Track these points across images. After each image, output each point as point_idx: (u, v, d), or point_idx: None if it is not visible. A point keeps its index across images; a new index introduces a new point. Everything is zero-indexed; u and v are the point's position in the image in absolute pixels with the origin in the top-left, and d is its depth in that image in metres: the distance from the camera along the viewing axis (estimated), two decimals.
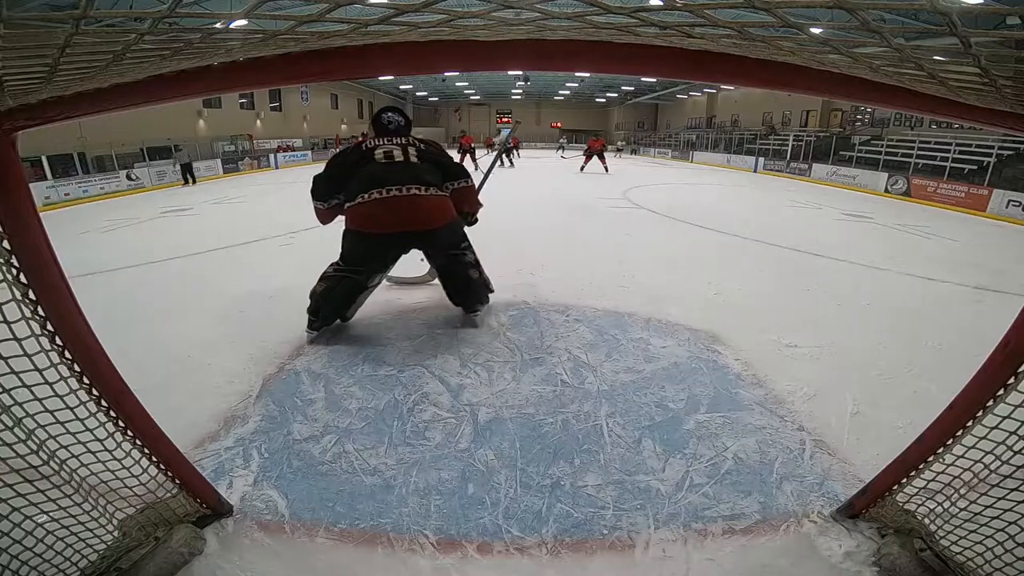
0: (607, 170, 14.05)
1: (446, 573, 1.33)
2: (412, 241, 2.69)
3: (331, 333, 2.82)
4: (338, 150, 2.58)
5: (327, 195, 2.71)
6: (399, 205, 2.54)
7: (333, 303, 2.71)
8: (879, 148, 14.97)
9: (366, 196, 2.53)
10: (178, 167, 13.17)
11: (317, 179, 2.73)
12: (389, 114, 2.90)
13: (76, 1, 0.46)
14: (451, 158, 2.96)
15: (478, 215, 3.26)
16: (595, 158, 14.59)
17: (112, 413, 1.13)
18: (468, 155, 14.00)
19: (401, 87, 34.02)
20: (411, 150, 2.71)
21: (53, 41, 0.54)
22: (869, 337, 2.91)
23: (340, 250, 2.70)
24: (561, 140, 32.25)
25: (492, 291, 3.13)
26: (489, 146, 22.43)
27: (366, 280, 2.76)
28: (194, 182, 13.15)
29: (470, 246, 2.96)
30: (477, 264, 2.98)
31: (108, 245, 5.63)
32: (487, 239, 4.52)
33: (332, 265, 2.72)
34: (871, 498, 1.42)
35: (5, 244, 0.93)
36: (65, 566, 1.09)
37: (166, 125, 14.72)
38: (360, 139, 5.98)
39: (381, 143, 2.70)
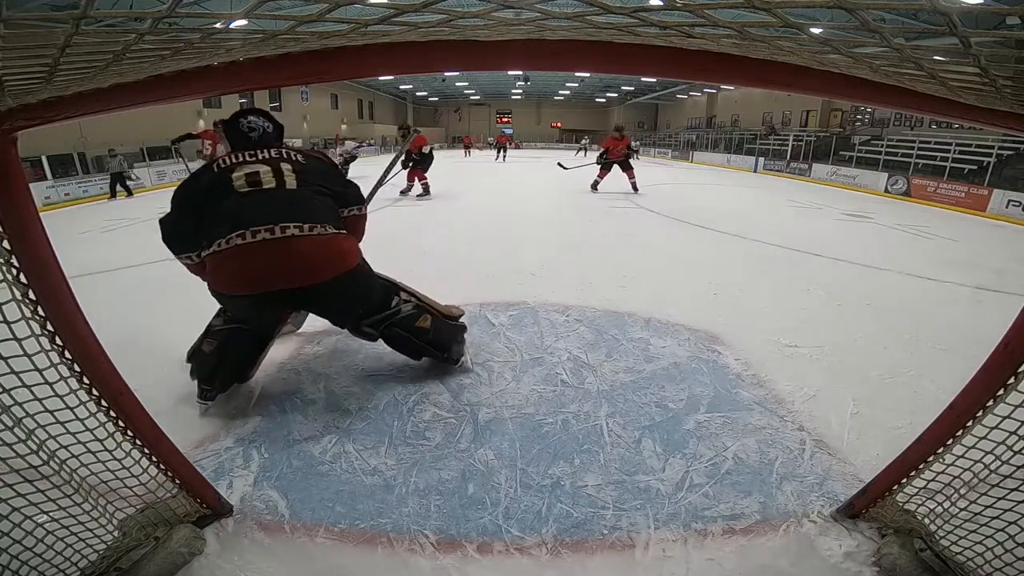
0: (636, 188, 9.10)
1: (446, 573, 1.33)
2: (296, 301, 1.98)
3: (331, 333, 2.81)
4: (185, 178, 1.93)
5: (186, 245, 1.92)
6: (270, 252, 1.80)
7: (231, 364, 2.07)
8: (879, 148, 14.97)
9: (224, 243, 1.80)
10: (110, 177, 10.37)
11: (164, 224, 1.93)
12: (250, 119, 2.04)
13: (76, 1, 0.46)
14: (341, 173, 2.24)
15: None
16: (614, 168, 9.12)
17: (112, 413, 1.14)
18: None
19: (401, 87, 34.07)
20: (285, 167, 1.92)
21: (53, 41, 0.54)
22: (869, 337, 2.91)
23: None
24: (584, 140, 26.32)
25: (459, 320, 2.39)
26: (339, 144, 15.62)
27: (269, 331, 2.14)
28: (129, 194, 10.59)
29: (392, 288, 2.18)
30: (419, 307, 2.20)
31: (108, 245, 5.63)
32: (486, 235, 4.53)
33: (219, 316, 2.12)
34: (871, 498, 1.42)
35: (5, 244, 0.93)
36: (65, 566, 1.09)
37: (166, 125, 14.71)
38: (211, 151, 4.74)
39: (240, 160, 1.91)
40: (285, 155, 1.98)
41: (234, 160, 1.93)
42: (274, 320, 2.12)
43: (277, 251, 1.81)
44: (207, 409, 2.07)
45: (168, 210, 1.91)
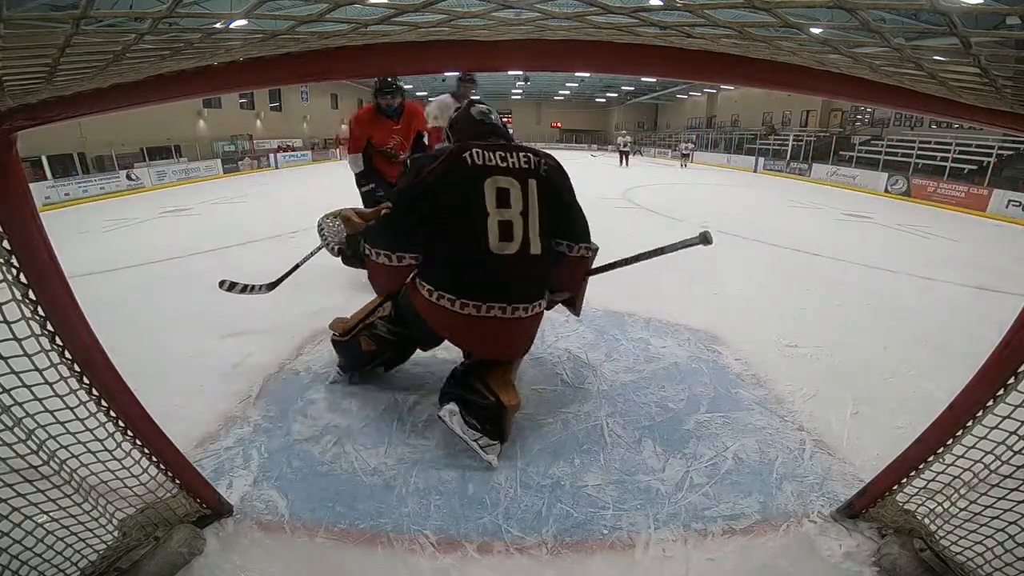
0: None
1: (446, 573, 1.33)
2: None
3: (331, 333, 2.81)
4: (411, 158, 1.66)
5: (396, 245, 1.67)
6: (478, 331, 1.67)
7: (380, 365, 2.14)
8: (879, 148, 14.98)
9: (453, 302, 1.62)
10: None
11: (381, 226, 1.75)
12: (482, 106, 1.81)
13: (76, 1, 0.46)
14: (574, 194, 1.85)
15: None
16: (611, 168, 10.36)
17: (112, 413, 1.13)
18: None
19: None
20: (532, 184, 1.64)
21: (53, 41, 0.54)
22: (869, 337, 2.91)
23: (395, 308, 1.92)
24: (625, 138, 19.41)
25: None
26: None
27: (429, 345, 2.07)
28: None
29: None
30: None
31: (108, 245, 5.63)
32: None
33: (385, 322, 1.95)
34: (871, 498, 1.42)
35: (5, 244, 0.93)
36: (65, 566, 1.09)
37: (166, 125, 14.73)
38: (435, 134, 3.69)
39: (493, 161, 1.62)
40: (532, 163, 1.68)
41: (487, 159, 1.63)
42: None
43: (501, 331, 1.68)
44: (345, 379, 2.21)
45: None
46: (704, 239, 1.93)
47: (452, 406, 1.72)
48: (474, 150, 1.64)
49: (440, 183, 1.63)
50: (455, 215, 1.62)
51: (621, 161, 17.93)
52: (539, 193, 1.66)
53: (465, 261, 1.64)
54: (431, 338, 1.93)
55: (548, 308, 1.95)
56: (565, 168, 1.85)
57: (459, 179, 1.62)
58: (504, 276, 1.64)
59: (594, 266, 2.00)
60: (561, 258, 1.82)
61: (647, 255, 2.06)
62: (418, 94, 36.60)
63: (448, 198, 1.63)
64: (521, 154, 1.68)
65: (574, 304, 2.07)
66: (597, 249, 1.94)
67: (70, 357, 1.04)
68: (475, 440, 1.68)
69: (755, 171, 18.16)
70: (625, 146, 18.85)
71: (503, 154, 1.66)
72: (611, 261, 2.06)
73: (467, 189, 1.61)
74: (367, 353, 2.05)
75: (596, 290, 3.65)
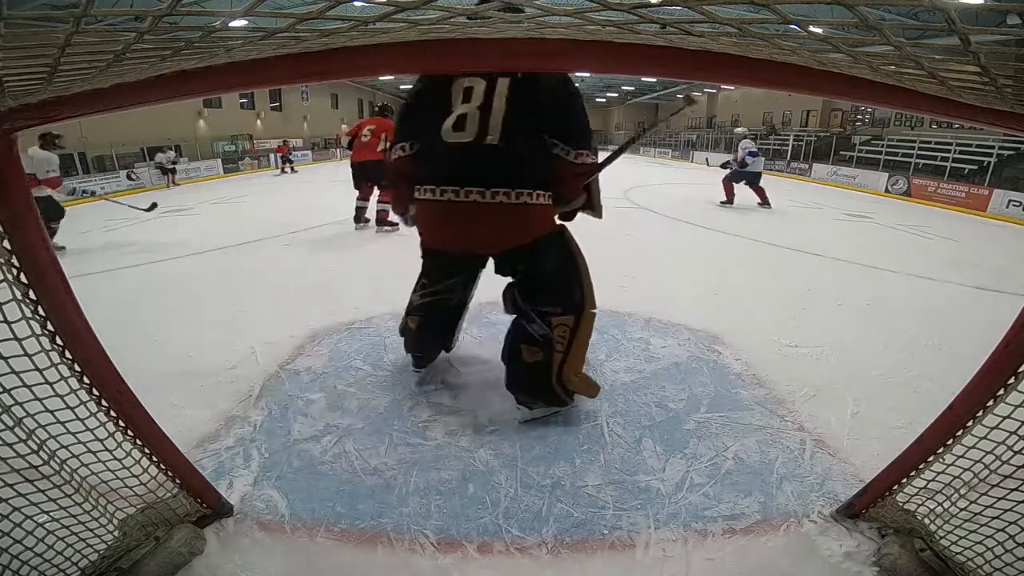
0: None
1: (446, 573, 1.32)
2: (482, 263, 2.03)
3: (331, 333, 2.82)
4: None
5: (400, 137, 1.89)
6: (458, 216, 1.76)
7: (434, 336, 2.24)
8: (879, 148, 14.98)
9: (421, 191, 1.82)
10: None
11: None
12: None
13: (76, 0, 0.46)
14: (577, 100, 1.81)
15: (583, 210, 2.08)
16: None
17: (112, 413, 1.14)
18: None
19: (401, 87, 34.01)
20: (502, 82, 1.68)
21: (53, 41, 0.54)
22: (869, 337, 2.91)
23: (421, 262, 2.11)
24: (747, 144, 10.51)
25: (570, 400, 1.97)
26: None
27: (463, 296, 2.18)
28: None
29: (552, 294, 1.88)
30: (546, 341, 1.82)
31: (108, 245, 5.63)
32: None
33: (416, 292, 2.14)
34: (871, 498, 1.42)
35: (5, 244, 0.93)
36: (65, 566, 1.09)
37: (166, 125, 14.74)
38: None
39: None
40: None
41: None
42: (470, 277, 2.14)
43: (462, 216, 1.76)
44: (422, 376, 2.30)
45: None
46: (688, 100, 2.17)
47: (525, 411, 1.98)
48: None
49: (416, 98, 1.88)
50: (426, 120, 1.78)
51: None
52: (509, 89, 1.70)
53: (426, 153, 1.82)
54: (440, 274, 2.07)
55: (568, 218, 2.05)
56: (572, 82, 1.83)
57: (431, 89, 1.81)
58: (453, 162, 1.74)
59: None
60: (555, 160, 1.78)
61: (642, 133, 2.33)
62: None
63: (423, 108, 1.83)
64: None
65: (593, 208, 2.09)
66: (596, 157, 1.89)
67: (70, 357, 1.04)
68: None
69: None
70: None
71: None
72: (608, 155, 2.04)
73: (437, 94, 1.77)
74: (417, 336, 2.20)
75: (596, 290, 3.65)
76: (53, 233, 4.93)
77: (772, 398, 2.19)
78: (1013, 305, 1.07)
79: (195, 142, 16.84)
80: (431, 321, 2.15)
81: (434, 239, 1.98)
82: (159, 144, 13.82)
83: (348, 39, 0.68)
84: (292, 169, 15.54)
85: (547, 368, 1.85)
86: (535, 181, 1.76)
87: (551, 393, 1.90)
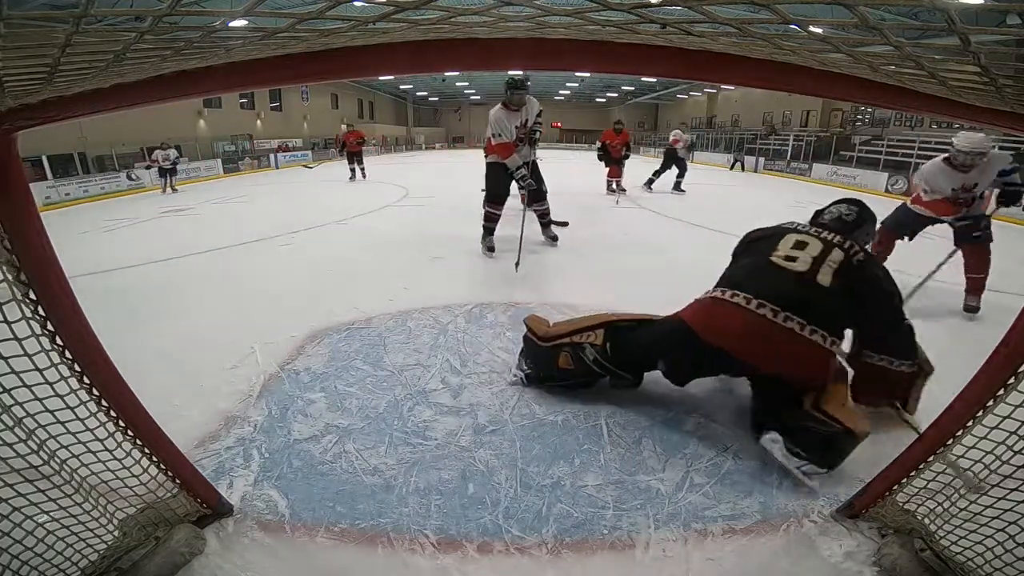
0: (623, 189, 8.46)
1: (446, 573, 1.32)
2: (715, 361, 1.85)
3: (331, 333, 2.82)
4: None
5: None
6: (731, 317, 1.79)
7: (568, 383, 2.15)
8: (879, 148, 14.96)
9: (711, 291, 1.97)
10: None
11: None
12: (841, 206, 2.24)
13: (77, 0, 0.46)
14: (897, 295, 1.88)
15: None
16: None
17: (112, 413, 1.14)
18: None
19: (401, 87, 34.03)
20: (833, 255, 1.82)
21: (53, 40, 0.54)
22: None
23: (614, 342, 2.01)
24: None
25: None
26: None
27: (635, 379, 2.12)
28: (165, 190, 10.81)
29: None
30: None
31: (108, 245, 5.63)
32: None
33: (595, 351, 2.00)
34: (871, 498, 1.42)
35: (5, 244, 0.93)
36: (65, 566, 1.09)
37: (166, 125, 14.73)
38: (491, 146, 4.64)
39: (803, 229, 2.01)
40: (841, 243, 1.87)
41: (798, 226, 2.08)
42: (691, 368, 1.98)
43: (742, 318, 1.77)
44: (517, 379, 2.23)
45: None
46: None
47: (774, 435, 1.73)
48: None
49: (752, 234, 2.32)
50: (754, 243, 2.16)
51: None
52: (839, 265, 1.83)
53: (745, 265, 2.05)
54: (642, 370, 2.08)
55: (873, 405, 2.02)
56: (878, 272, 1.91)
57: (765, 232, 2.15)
58: (763, 276, 1.87)
59: None
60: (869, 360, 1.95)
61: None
62: (418, 94, 36.65)
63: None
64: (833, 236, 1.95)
65: (906, 405, 2.04)
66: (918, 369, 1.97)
67: (70, 357, 1.04)
68: (798, 468, 1.68)
69: (756, 171, 18.13)
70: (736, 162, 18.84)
71: (817, 230, 2.01)
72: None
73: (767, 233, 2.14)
74: (561, 369, 2.07)
75: (595, 290, 3.67)
76: None
77: None
78: (1013, 305, 1.07)
79: (195, 142, 16.83)
80: (581, 381, 2.11)
81: (691, 324, 1.92)
82: (159, 144, 13.84)
83: (348, 39, 0.68)
84: (363, 173, 11.90)
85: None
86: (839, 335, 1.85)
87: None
